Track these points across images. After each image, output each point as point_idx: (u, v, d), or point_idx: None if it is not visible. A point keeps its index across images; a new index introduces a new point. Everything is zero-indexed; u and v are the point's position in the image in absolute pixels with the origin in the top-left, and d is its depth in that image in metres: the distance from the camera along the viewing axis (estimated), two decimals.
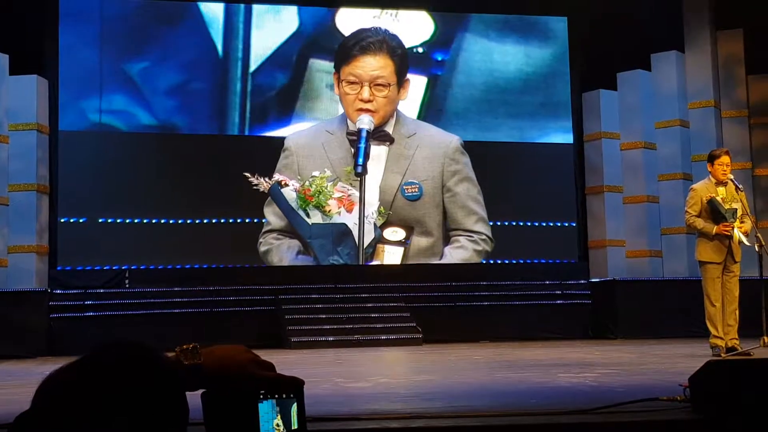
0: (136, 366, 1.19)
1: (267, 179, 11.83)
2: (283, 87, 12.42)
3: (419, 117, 12.66)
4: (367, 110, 12.05)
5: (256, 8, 12.43)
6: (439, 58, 12.95)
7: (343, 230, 11.84)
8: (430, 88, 12.81)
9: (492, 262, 12.61)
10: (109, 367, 1.17)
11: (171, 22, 12.20)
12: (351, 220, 11.86)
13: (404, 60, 12.48)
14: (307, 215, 11.78)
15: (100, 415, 1.13)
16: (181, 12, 12.23)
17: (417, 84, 12.66)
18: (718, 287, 7.91)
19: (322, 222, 11.81)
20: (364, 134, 11.95)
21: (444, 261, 12.35)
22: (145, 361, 1.20)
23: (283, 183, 11.86)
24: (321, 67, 12.47)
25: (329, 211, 11.78)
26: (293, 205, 11.80)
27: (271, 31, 12.44)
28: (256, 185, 11.78)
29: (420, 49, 12.85)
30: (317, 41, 12.56)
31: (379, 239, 12.05)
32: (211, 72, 12.21)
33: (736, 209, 7.96)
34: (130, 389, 1.15)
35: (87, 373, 1.17)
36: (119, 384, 1.15)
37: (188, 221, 11.88)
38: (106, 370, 1.17)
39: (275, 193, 11.84)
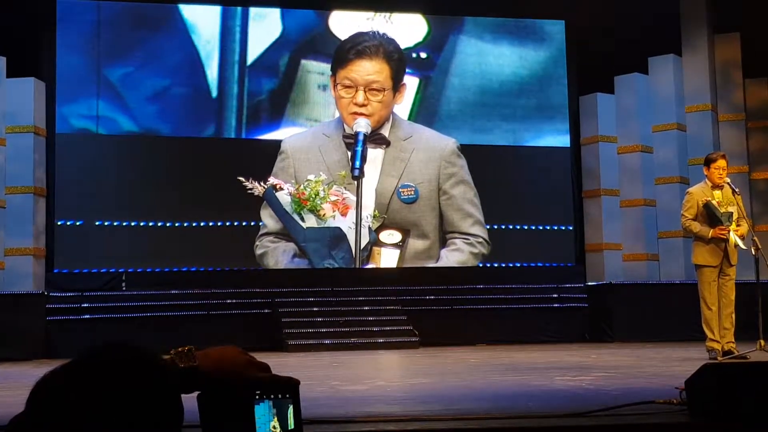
0: (130, 367, 1.19)
1: (261, 183, 11.83)
2: (276, 89, 12.43)
3: (410, 118, 12.67)
4: (362, 114, 12.06)
5: (253, 11, 12.45)
6: (431, 57, 12.94)
7: (338, 234, 11.83)
8: (422, 89, 12.83)
9: (489, 265, 12.61)
10: (103, 369, 1.17)
11: (164, 31, 12.22)
12: (345, 224, 11.86)
13: (401, 65, 12.49)
14: (302, 219, 11.77)
15: (94, 417, 1.13)
16: (174, 17, 12.23)
17: (409, 85, 12.66)
18: (714, 291, 7.92)
19: (316, 226, 11.80)
20: (361, 137, 11.95)
21: (440, 264, 12.35)
22: (139, 362, 1.20)
23: (277, 187, 11.85)
24: (313, 68, 12.48)
25: (324, 215, 11.77)
26: (288, 209, 11.80)
27: (265, 34, 12.45)
28: (250, 189, 11.77)
29: (423, 54, 12.85)
30: (310, 43, 12.58)
31: (374, 242, 12.05)
32: (205, 80, 12.20)
33: (732, 213, 7.97)
34: (125, 391, 1.15)
35: (81, 374, 1.17)
36: (114, 385, 1.15)
37: (185, 224, 11.88)
38: (100, 371, 1.17)
39: (270, 197, 11.84)
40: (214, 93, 12.24)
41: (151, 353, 1.23)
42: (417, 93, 12.79)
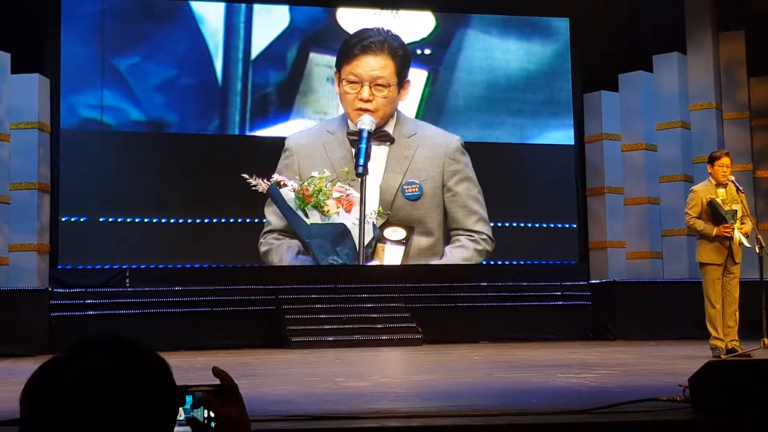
0: (118, 360, 1.20)
1: (265, 180, 11.82)
2: (284, 81, 12.42)
3: (418, 114, 12.67)
4: (367, 110, 12.06)
5: (258, 7, 12.44)
6: (438, 52, 12.93)
7: (342, 230, 11.83)
8: (429, 84, 12.82)
9: (492, 262, 12.61)
10: (93, 363, 1.18)
11: (171, 21, 12.21)
12: (350, 220, 11.86)
13: (405, 61, 12.49)
14: (306, 215, 11.77)
15: (87, 410, 1.13)
16: (181, 11, 12.23)
17: (416, 80, 12.65)
18: (718, 289, 7.91)
19: (320, 222, 11.80)
20: (365, 135, 11.94)
21: (445, 260, 12.35)
22: (130, 354, 1.21)
23: (281, 183, 11.85)
24: (322, 61, 12.48)
25: (328, 211, 11.77)
26: (292, 205, 11.79)
27: (272, 25, 12.44)
28: (254, 186, 11.77)
29: (427, 51, 12.84)
30: (318, 36, 12.57)
31: (378, 239, 12.05)
32: (212, 71, 12.20)
33: (736, 211, 7.97)
34: (115, 382, 1.16)
35: (71, 369, 1.18)
36: (103, 377, 1.16)
37: (189, 221, 11.88)
38: (89, 365, 1.18)
39: (274, 194, 11.83)
40: (222, 84, 12.21)
41: (140, 345, 1.24)
42: (425, 87, 12.78)
